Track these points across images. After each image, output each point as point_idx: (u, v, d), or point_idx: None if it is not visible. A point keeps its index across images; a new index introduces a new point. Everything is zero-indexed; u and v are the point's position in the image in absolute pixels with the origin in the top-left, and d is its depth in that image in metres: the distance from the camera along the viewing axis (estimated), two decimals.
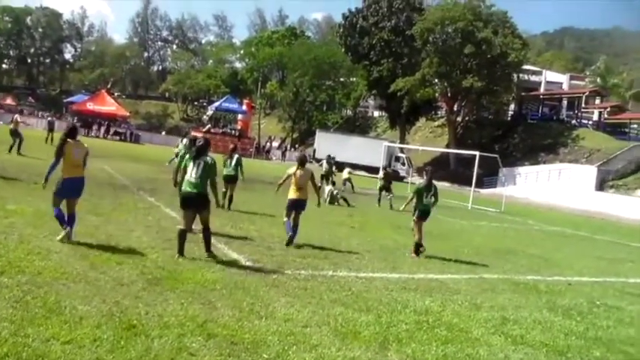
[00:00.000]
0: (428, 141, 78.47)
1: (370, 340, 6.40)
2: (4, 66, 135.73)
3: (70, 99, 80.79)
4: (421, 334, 6.92)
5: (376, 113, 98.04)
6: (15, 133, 25.28)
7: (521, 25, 67.16)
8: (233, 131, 69.51)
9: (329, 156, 30.39)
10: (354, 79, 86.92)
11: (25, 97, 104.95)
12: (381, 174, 28.18)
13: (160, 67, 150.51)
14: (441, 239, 16.27)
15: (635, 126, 69.03)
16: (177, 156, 17.89)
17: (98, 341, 5.29)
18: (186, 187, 9.37)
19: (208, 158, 9.49)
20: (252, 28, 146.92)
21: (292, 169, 12.13)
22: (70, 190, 9.61)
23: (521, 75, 68.53)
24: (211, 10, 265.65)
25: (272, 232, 12.86)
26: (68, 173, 9.56)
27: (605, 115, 71.83)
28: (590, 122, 72.17)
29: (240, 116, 72.64)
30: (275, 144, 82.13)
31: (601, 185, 52.72)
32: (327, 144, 56.23)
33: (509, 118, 77.16)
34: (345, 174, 29.96)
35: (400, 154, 58.58)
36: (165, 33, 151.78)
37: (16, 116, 29.44)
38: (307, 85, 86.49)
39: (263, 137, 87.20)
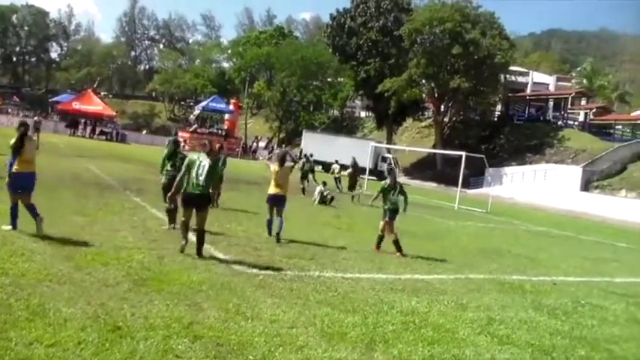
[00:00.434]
0: (415, 141, 78.65)
1: (356, 341, 6.39)
2: None
3: (55, 98, 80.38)
4: (407, 334, 6.92)
5: (363, 114, 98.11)
6: None
7: (508, 26, 67.50)
8: (220, 131, 69.35)
9: (306, 155, 30.54)
10: (342, 79, 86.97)
11: (9, 96, 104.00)
12: (348, 171, 28.13)
13: (147, 67, 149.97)
14: (428, 239, 16.33)
15: (620, 127, 69.60)
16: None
17: (83, 344, 5.24)
18: (191, 187, 9.63)
19: (207, 160, 9.76)
20: (240, 27, 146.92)
21: (275, 166, 12.68)
22: (19, 184, 9.72)
23: (508, 76, 68.85)
24: (199, 9, 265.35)
25: (258, 232, 12.83)
26: (20, 168, 9.69)
27: (591, 116, 72.28)
28: (576, 123, 72.61)
29: (226, 116, 72.49)
30: (262, 144, 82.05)
31: (586, 186, 53.05)
32: (314, 144, 56.18)
33: (495, 119, 77.49)
34: (335, 173, 29.97)
35: (387, 155, 58.62)
36: (152, 32, 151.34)
37: None
38: (294, 85, 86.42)
39: (250, 137, 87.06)
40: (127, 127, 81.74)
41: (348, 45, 72.70)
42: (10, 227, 9.61)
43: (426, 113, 78.93)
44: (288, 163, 13.01)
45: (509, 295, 10.13)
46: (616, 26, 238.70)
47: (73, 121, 61.72)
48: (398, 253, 12.54)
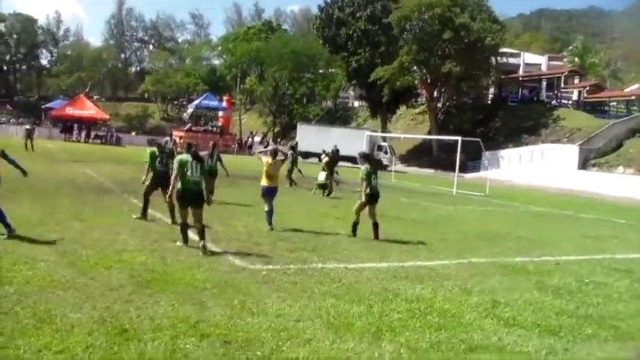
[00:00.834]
0: (409, 128, 78.57)
1: (363, 331, 6.40)
2: None
3: (48, 105, 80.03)
4: (414, 322, 6.94)
5: (356, 103, 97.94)
6: None
7: (497, 9, 67.47)
8: (214, 128, 69.19)
9: (292, 146, 30.54)
10: (333, 70, 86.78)
11: (2, 105, 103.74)
12: (325, 160, 27.97)
13: (138, 68, 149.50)
14: (428, 226, 16.33)
15: (615, 104, 69.63)
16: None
17: (91, 348, 5.25)
18: (187, 185, 10.11)
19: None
20: (229, 23, 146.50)
21: (268, 159, 13.24)
22: None
23: (499, 58, 68.59)
24: (186, 7, 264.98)
25: (259, 227, 12.82)
26: None
27: (585, 95, 72.27)
28: (570, 102, 72.55)
29: (220, 113, 72.25)
30: (257, 139, 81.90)
31: (583, 164, 53.13)
32: (309, 136, 56.18)
33: (489, 102, 77.39)
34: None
35: (382, 143, 58.53)
36: (141, 33, 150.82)
37: None
38: (286, 79, 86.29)
39: (245, 133, 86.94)
40: (121, 129, 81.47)
41: (337, 36, 72.45)
42: None
43: (419, 100, 78.77)
44: (280, 157, 13.73)
45: (512, 277, 10.15)
46: (604, 3, 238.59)
47: (66, 126, 61.60)
48: (352, 234, 12.83)
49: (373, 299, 7.75)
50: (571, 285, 9.83)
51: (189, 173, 10.11)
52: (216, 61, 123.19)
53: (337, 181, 25.73)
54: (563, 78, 72.88)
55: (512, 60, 79.42)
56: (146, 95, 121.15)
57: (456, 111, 73.83)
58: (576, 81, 76.60)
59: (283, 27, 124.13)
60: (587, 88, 72.73)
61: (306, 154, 54.32)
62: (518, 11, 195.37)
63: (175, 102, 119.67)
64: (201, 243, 9.82)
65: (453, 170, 36.41)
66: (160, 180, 12.66)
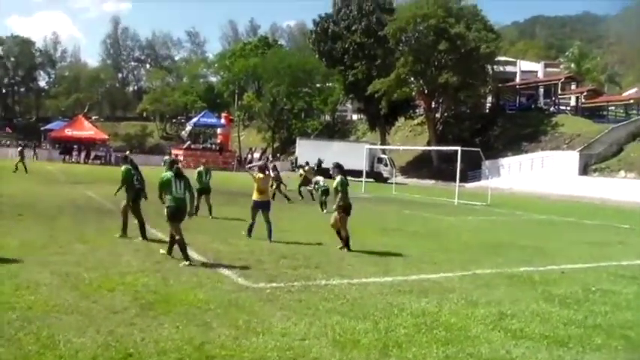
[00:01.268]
0: (409, 140, 78.67)
1: (370, 348, 6.34)
2: None
3: (47, 126, 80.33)
4: (420, 336, 6.87)
5: (355, 116, 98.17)
6: None
7: (491, 17, 67.68)
8: (213, 146, 69.36)
9: (274, 164, 30.97)
10: (331, 84, 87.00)
11: (2, 127, 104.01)
12: (300, 172, 28.10)
13: (136, 87, 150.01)
14: (430, 238, 16.25)
15: (613, 108, 69.76)
16: None
17: None
18: (176, 202, 10.65)
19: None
20: (225, 40, 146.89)
21: (260, 174, 13.85)
22: None
23: (495, 67, 68.73)
24: (182, 25, 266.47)
25: (261, 245, 12.76)
26: None
27: (582, 100, 72.49)
28: (568, 108, 72.78)
29: (219, 130, 72.43)
30: (256, 155, 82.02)
31: (584, 169, 53.12)
32: (309, 151, 56.14)
33: (487, 111, 77.59)
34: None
35: (382, 156, 58.58)
36: (137, 53, 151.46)
37: None
38: (284, 94, 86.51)
39: (244, 149, 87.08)
40: (120, 149, 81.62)
41: (333, 50, 72.66)
42: None
43: (417, 111, 78.91)
44: (272, 172, 14.92)
45: (518, 287, 10.08)
46: (597, 9, 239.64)
47: (66, 147, 61.77)
48: (345, 248, 12.83)
49: (378, 315, 7.68)
50: (578, 294, 9.75)
51: (174, 190, 10.67)
52: (213, 78, 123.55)
53: (313, 192, 25.89)
54: (560, 84, 73.10)
55: (508, 68, 79.58)
56: (144, 114, 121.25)
57: (455, 121, 73.99)
58: (573, 87, 76.83)
59: (279, 42, 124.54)
60: (585, 94, 72.97)
61: None
62: (513, 19, 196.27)
63: (174, 120, 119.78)
64: (169, 247, 10.86)
65: (454, 180, 36.37)
66: (138, 197, 12.98)
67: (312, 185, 25.34)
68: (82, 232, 13.08)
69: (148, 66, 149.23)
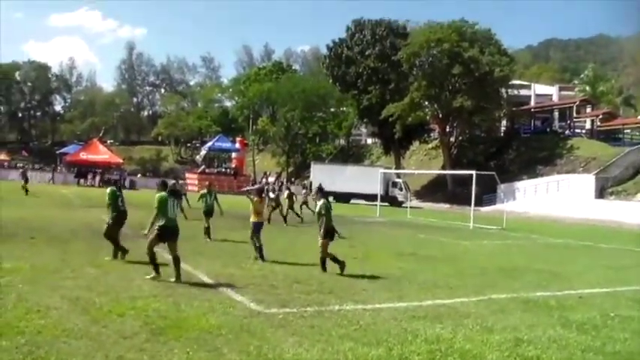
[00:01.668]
0: (423, 164, 78.62)
1: None
2: None
3: (63, 150, 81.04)
4: None
5: (369, 140, 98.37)
6: None
7: (505, 41, 67.75)
8: (228, 170, 69.50)
9: (304, 185, 31.29)
10: (345, 108, 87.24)
11: (18, 151, 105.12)
12: (285, 194, 28.28)
13: (151, 112, 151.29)
14: (446, 262, 16.07)
15: (629, 131, 69.35)
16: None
17: None
18: (169, 223, 11.02)
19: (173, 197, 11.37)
20: (240, 65, 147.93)
21: (258, 197, 14.68)
22: None
23: (510, 90, 68.72)
24: (197, 50, 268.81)
25: (274, 270, 12.65)
26: None
27: (598, 123, 72.20)
28: (584, 131, 72.52)
29: (234, 154, 72.63)
30: (271, 179, 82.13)
31: (601, 193, 52.72)
32: (323, 175, 56.10)
33: (502, 134, 77.41)
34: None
35: (397, 180, 58.45)
36: (152, 77, 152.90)
37: None
38: (298, 119, 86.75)
39: (258, 174, 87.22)
40: (135, 172, 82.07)
41: (347, 74, 73.05)
42: None
43: (431, 135, 78.97)
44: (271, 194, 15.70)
45: (534, 313, 9.89)
46: (611, 31, 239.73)
47: (81, 171, 62.20)
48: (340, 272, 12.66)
49: (392, 341, 7.54)
50: (596, 319, 9.55)
51: (169, 211, 11.03)
52: (227, 103, 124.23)
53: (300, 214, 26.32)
54: (575, 107, 72.94)
55: (522, 92, 79.57)
56: (159, 138, 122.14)
57: (469, 144, 73.87)
58: (588, 110, 76.58)
59: (293, 67, 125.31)
60: (600, 117, 72.74)
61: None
62: (527, 43, 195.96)
63: (189, 144, 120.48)
64: (178, 273, 10.78)
65: (469, 204, 36.17)
66: (123, 218, 13.39)
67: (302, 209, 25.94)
68: (94, 256, 13.04)
69: (162, 90, 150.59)
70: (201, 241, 17.22)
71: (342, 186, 55.32)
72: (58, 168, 72.90)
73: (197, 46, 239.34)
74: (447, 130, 69.59)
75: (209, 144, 74.86)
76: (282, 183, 74.04)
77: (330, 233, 12.87)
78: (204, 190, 19.06)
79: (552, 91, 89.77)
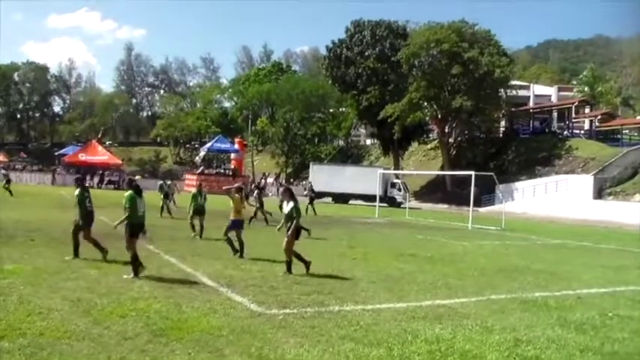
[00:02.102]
0: (422, 164, 78.65)
1: None
2: None
3: (61, 151, 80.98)
4: None
5: (368, 141, 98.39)
6: None
7: (504, 42, 67.65)
8: (227, 171, 69.46)
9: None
10: (344, 109, 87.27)
11: (17, 152, 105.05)
12: (255, 195, 28.21)
13: (150, 113, 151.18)
14: (445, 263, 16.10)
15: (627, 131, 69.42)
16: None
17: None
18: (139, 219, 11.63)
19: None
20: (239, 65, 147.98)
21: (237, 195, 15.42)
22: None
23: (509, 91, 68.65)
24: (196, 51, 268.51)
25: (274, 271, 12.67)
26: None
27: (597, 124, 72.29)
28: (582, 132, 72.58)
29: (232, 155, 72.57)
30: (270, 180, 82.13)
31: (599, 193, 52.78)
32: (322, 176, 56.29)
33: (501, 135, 77.34)
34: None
35: (396, 180, 58.46)
36: (151, 78, 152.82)
37: None
38: (297, 119, 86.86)
39: (257, 174, 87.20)
40: (134, 173, 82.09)
41: (347, 75, 73.04)
42: None
43: (430, 135, 78.99)
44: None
45: (533, 313, 9.93)
46: (610, 31, 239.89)
47: (79, 172, 62.18)
48: (287, 271, 12.50)
49: (392, 341, 7.57)
50: (594, 319, 9.60)
51: (138, 209, 11.53)
52: (227, 104, 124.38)
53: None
54: (573, 108, 72.99)
55: (521, 92, 79.56)
56: (158, 139, 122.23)
57: (468, 145, 73.89)
58: (587, 110, 76.67)
59: (293, 68, 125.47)
60: (599, 117, 72.83)
61: (319, 194, 54.43)
62: (526, 43, 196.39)
63: (188, 145, 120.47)
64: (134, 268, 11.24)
65: (468, 205, 36.21)
66: (90, 219, 13.46)
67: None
68: (95, 257, 13.08)
69: (161, 91, 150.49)
70: (200, 243, 17.32)
71: (341, 186, 55.42)
72: (58, 169, 72.89)
73: (197, 46, 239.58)
74: (446, 130, 69.61)
75: (208, 145, 74.79)
76: (281, 184, 74.08)
77: (299, 233, 12.83)
78: (195, 191, 19.80)
79: (551, 91, 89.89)
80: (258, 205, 26.46)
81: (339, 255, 16.53)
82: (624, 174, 54.72)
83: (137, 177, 28.62)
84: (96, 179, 61.60)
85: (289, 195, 13.19)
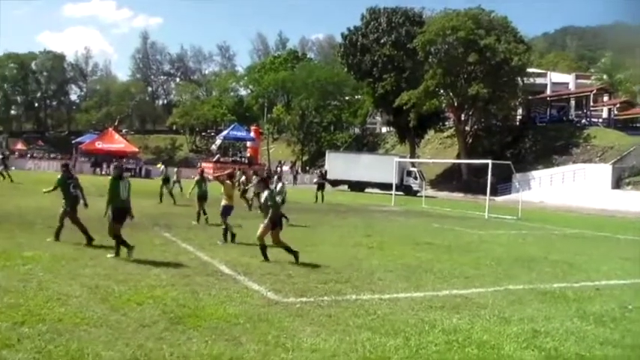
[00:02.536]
0: (438, 152, 78.35)
1: None
2: (12, 112, 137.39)
3: (78, 139, 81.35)
4: (452, 354, 6.74)
5: (384, 129, 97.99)
6: None
7: (521, 29, 66.77)
8: (243, 159, 69.55)
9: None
10: (360, 96, 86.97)
11: (34, 140, 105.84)
12: (254, 180, 27.82)
13: (165, 101, 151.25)
14: (462, 252, 16.04)
15: None
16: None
17: None
18: (123, 204, 12.17)
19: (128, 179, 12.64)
20: (255, 53, 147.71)
21: (228, 181, 15.98)
22: None
23: (526, 78, 67.96)
24: (212, 39, 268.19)
25: (291, 259, 12.64)
26: None
27: (615, 112, 71.55)
28: (600, 120, 71.83)
29: (248, 143, 72.69)
30: (286, 168, 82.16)
31: (617, 183, 52.31)
32: (338, 164, 56.28)
33: (518, 123, 76.79)
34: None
35: (412, 169, 58.22)
36: (167, 67, 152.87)
37: None
38: (313, 107, 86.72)
39: (273, 162, 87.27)
40: (150, 161, 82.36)
41: (362, 62, 72.68)
42: None
43: (447, 123, 78.53)
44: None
45: (552, 304, 9.86)
46: (630, 18, 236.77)
47: (96, 160, 62.54)
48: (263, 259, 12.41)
49: (409, 331, 7.56)
50: (614, 312, 9.50)
51: (120, 193, 12.03)
52: (242, 92, 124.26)
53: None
54: (592, 96, 72.21)
55: (539, 80, 78.74)
56: (174, 127, 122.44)
57: (485, 133, 73.44)
58: (605, 98, 75.78)
59: (308, 55, 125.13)
60: (618, 105, 72.00)
61: (335, 182, 54.37)
62: (543, 30, 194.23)
63: (203, 133, 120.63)
64: (116, 248, 11.86)
65: (484, 193, 36.04)
66: (73, 203, 13.68)
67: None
68: (111, 245, 13.12)
69: (177, 79, 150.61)
70: (216, 231, 17.31)
71: (357, 174, 55.31)
72: (75, 157, 73.29)
73: (212, 34, 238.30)
74: (462, 118, 69.17)
75: (224, 133, 74.79)
76: (297, 172, 74.18)
77: (275, 222, 12.59)
78: (198, 177, 20.26)
79: (569, 79, 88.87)
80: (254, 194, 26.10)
81: (356, 244, 16.51)
82: None
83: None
84: (112, 167, 61.87)
85: (264, 186, 13.33)
